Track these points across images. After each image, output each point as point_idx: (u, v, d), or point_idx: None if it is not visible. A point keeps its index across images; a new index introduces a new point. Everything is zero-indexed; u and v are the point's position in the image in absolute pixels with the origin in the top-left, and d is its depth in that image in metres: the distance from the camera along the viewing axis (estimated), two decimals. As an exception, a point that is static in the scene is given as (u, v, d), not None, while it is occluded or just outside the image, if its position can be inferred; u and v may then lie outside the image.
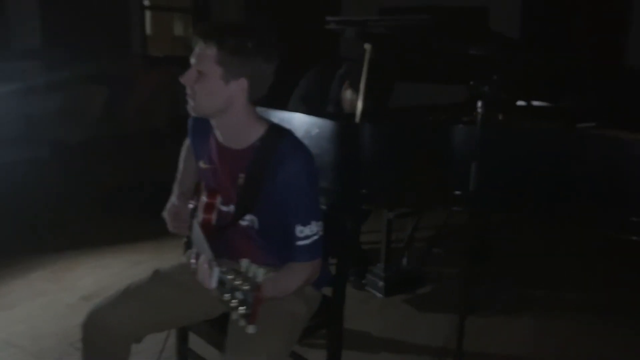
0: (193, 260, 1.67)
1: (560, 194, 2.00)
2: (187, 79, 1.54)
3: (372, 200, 2.21)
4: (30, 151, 4.98)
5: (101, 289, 2.90)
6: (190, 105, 1.56)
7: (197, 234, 1.61)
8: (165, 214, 1.81)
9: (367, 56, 2.33)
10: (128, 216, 4.03)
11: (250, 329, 1.22)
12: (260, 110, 2.14)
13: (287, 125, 1.67)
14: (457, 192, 1.95)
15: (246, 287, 1.22)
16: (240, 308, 1.23)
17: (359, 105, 2.43)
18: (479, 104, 1.81)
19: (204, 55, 1.51)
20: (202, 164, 1.74)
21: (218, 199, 1.69)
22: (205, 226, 1.63)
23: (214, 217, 1.68)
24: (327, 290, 1.88)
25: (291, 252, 1.60)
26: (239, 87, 1.54)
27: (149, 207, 2.31)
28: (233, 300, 1.25)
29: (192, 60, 1.54)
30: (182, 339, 1.95)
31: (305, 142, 1.64)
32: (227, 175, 1.66)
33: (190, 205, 1.79)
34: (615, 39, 5.90)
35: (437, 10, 6.44)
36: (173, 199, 1.83)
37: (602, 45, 5.89)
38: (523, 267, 3.48)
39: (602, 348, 2.58)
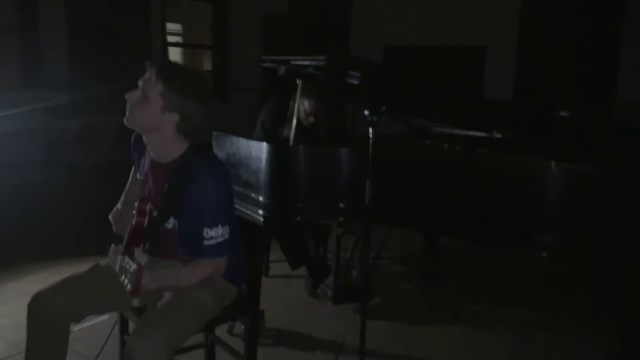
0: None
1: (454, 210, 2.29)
2: (131, 96, 1.89)
3: (303, 213, 2.52)
4: (49, 172, 5.48)
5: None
6: (126, 118, 1.91)
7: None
8: (111, 217, 2.17)
9: (298, 89, 2.70)
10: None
11: (134, 302, 1.58)
12: (218, 134, 2.56)
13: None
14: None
15: (132, 269, 1.58)
16: (128, 285, 1.59)
17: (292, 130, 2.79)
18: (370, 131, 2.13)
19: (152, 85, 1.86)
20: (138, 176, 2.11)
21: (149, 205, 2.05)
22: (138, 228, 1.98)
23: (145, 221, 2.03)
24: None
25: (199, 251, 1.93)
26: (171, 118, 1.89)
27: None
28: (125, 280, 1.61)
29: (140, 83, 1.89)
30: (124, 325, 2.29)
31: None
32: (156, 184, 2.01)
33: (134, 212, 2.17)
34: (604, 75, 6.10)
35: (437, 48, 6.80)
36: (117, 205, 2.20)
37: (590, 80, 6.10)
38: (463, 284, 3.75)
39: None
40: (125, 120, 1.93)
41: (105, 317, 2.78)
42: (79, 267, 2.09)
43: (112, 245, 2.04)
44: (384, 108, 2.10)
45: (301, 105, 3.22)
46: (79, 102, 5.95)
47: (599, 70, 6.17)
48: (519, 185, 2.28)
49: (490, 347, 2.91)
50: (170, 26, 8.92)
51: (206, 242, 1.90)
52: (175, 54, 9.74)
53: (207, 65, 9.63)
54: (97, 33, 6.59)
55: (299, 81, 2.70)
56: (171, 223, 1.98)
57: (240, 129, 2.97)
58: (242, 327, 2.60)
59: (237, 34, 8.28)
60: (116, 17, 6.85)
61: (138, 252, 1.65)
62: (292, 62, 2.36)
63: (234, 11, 8.32)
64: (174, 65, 1.96)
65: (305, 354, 2.80)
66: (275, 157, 2.44)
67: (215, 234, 1.90)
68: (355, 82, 2.12)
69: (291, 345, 2.86)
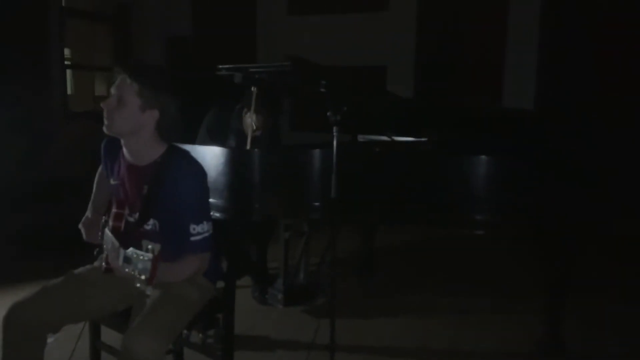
0: (104, 264, 2.04)
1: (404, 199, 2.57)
2: (108, 104, 1.93)
3: (262, 212, 2.65)
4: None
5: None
6: (106, 125, 1.94)
7: (108, 237, 1.98)
8: (81, 226, 2.16)
9: (254, 97, 2.83)
10: (46, 253, 4.25)
11: (149, 290, 1.62)
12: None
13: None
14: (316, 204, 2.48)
15: (147, 257, 1.62)
16: (142, 275, 1.63)
17: (249, 134, 2.92)
18: (334, 129, 2.31)
19: (126, 87, 1.91)
20: (112, 181, 2.12)
21: (126, 209, 2.07)
22: (115, 233, 1.99)
23: (122, 225, 2.05)
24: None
25: (185, 247, 1.98)
26: (151, 116, 1.95)
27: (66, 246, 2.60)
28: (135, 271, 1.64)
29: (113, 90, 1.94)
30: (95, 332, 2.26)
31: (205, 166, 2.06)
32: (134, 187, 2.04)
33: (103, 219, 2.17)
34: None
35: (339, 69, 7.14)
36: (87, 214, 2.19)
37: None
38: (399, 277, 4.04)
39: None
40: (105, 129, 1.97)
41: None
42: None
43: (101, 257, 2.05)
44: (345, 108, 2.29)
45: (249, 119, 3.31)
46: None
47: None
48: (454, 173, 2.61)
49: (434, 333, 3.16)
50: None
51: (193, 238, 1.96)
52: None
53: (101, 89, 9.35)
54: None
55: (254, 89, 2.82)
56: (150, 224, 2.03)
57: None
58: (200, 335, 2.65)
59: (141, 56, 8.16)
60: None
61: (147, 243, 1.68)
62: (251, 69, 2.49)
63: (136, 33, 8.20)
64: (141, 63, 2.04)
65: (271, 355, 2.88)
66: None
67: (202, 229, 1.97)
68: (318, 85, 2.29)
69: (252, 348, 2.93)
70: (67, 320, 2.03)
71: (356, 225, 3.93)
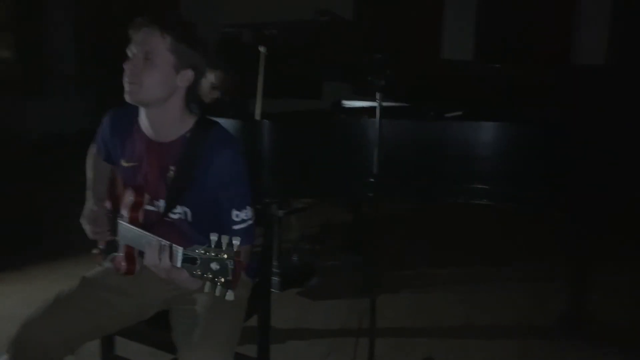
0: (124, 264, 1.67)
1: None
2: (134, 64, 1.55)
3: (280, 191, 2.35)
4: None
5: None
6: (131, 91, 1.57)
7: (129, 230, 1.61)
8: (84, 221, 1.76)
9: (262, 58, 2.46)
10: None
11: (229, 296, 1.29)
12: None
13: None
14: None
15: (224, 256, 1.28)
16: (219, 278, 1.29)
17: (258, 104, 2.54)
18: (378, 95, 2.04)
19: (155, 43, 1.54)
20: (124, 163, 1.74)
21: (146, 197, 1.70)
22: (132, 225, 1.64)
23: (140, 215, 1.69)
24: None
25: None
26: (185, 78, 1.60)
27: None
28: (207, 273, 1.30)
29: (135, 49, 1.56)
30: (108, 346, 1.88)
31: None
32: (156, 169, 1.68)
33: (107, 206, 1.78)
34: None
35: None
36: (89, 205, 1.79)
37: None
38: (392, 253, 3.84)
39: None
40: (128, 95, 1.59)
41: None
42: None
43: (112, 256, 1.72)
44: (389, 71, 2.03)
45: (206, 82, 2.89)
46: None
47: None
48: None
49: (450, 308, 3.04)
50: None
51: (237, 227, 1.64)
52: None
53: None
54: None
55: (261, 48, 2.44)
56: (177, 213, 1.68)
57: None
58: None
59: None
60: None
61: (216, 237, 1.33)
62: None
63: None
64: (172, 13, 1.65)
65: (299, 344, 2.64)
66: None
67: (246, 216, 1.66)
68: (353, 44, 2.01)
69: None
70: (88, 336, 1.67)
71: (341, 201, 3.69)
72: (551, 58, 6.39)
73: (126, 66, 1.56)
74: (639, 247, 3.81)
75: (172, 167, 1.65)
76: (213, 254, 1.30)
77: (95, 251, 1.86)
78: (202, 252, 1.32)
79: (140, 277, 1.70)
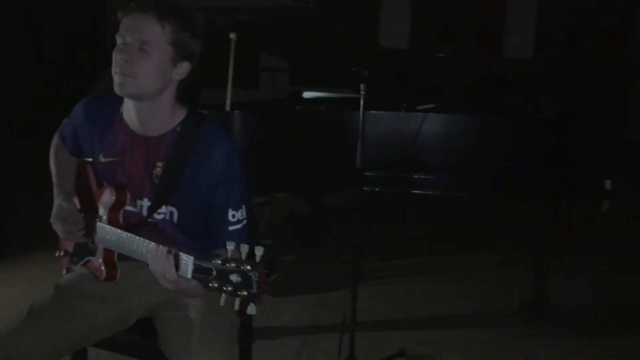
0: (103, 269, 1.54)
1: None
2: (127, 55, 1.40)
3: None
4: None
5: None
6: (123, 84, 1.42)
7: (110, 233, 1.48)
8: (54, 220, 1.60)
9: (232, 45, 2.32)
10: None
11: (251, 309, 1.19)
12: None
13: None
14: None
15: (247, 267, 1.18)
16: (242, 291, 1.18)
17: (228, 94, 2.40)
18: (362, 87, 1.98)
19: (152, 31, 1.40)
20: (102, 158, 1.59)
21: (128, 196, 1.56)
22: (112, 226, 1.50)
23: (121, 216, 1.55)
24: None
25: (222, 239, 1.54)
26: (181, 70, 1.48)
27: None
28: (227, 287, 1.19)
29: (128, 37, 1.41)
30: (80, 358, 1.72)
31: None
32: (141, 166, 1.55)
33: (77, 206, 1.63)
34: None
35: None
36: (58, 202, 1.63)
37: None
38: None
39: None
40: (118, 88, 1.45)
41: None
42: None
43: (86, 260, 1.59)
44: (376, 62, 1.99)
45: None
46: None
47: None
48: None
49: (416, 299, 3.05)
50: None
51: (232, 227, 1.54)
52: None
53: None
54: None
55: (232, 35, 2.29)
56: (162, 213, 1.56)
57: None
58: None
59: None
60: None
61: (233, 246, 1.22)
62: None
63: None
64: (169, 4, 1.50)
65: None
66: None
67: (241, 216, 1.55)
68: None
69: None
70: (67, 350, 1.54)
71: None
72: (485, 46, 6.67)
73: (117, 55, 1.42)
74: (600, 233, 3.96)
75: (159, 164, 1.53)
76: (234, 265, 1.20)
77: (60, 254, 1.70)
78: (219, 262, 1.21)
79: (120, 282, 1.56)
